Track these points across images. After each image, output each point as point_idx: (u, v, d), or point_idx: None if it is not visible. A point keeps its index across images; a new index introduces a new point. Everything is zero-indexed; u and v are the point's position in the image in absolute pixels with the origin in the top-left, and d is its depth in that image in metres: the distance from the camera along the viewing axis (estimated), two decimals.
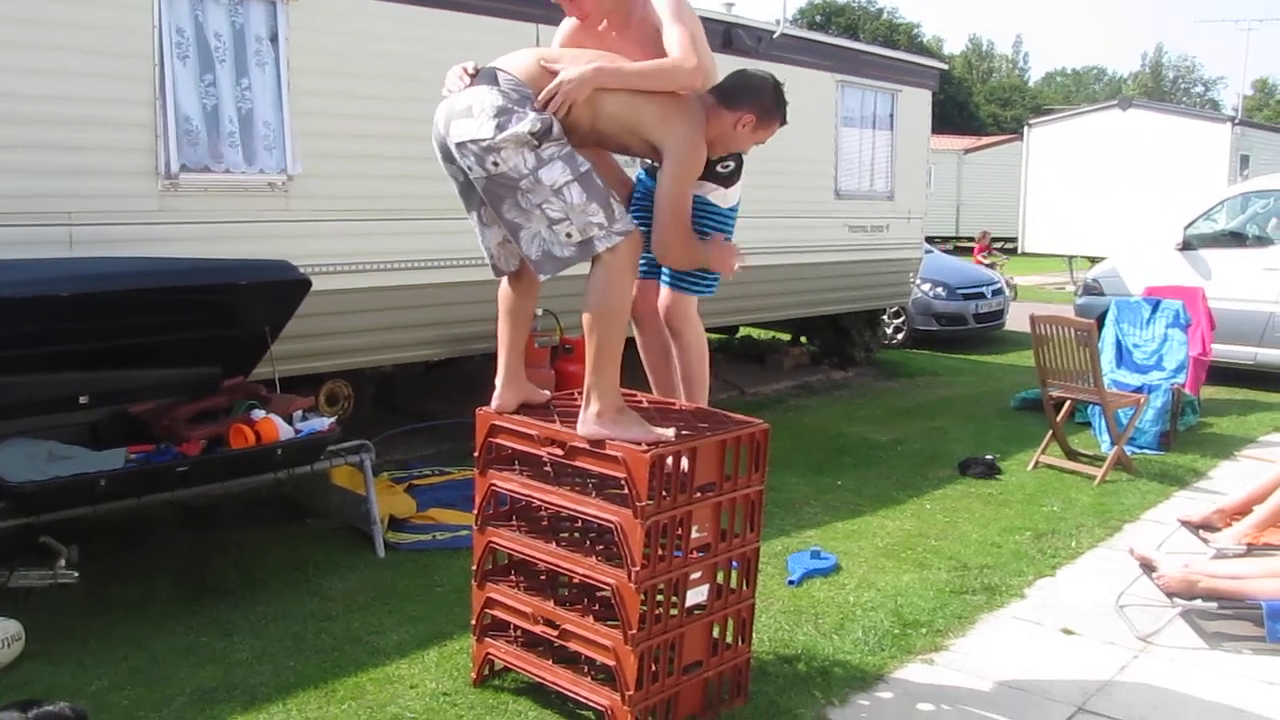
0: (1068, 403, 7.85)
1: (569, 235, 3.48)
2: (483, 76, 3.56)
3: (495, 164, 3.44)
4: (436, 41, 6.79)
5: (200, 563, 5.41)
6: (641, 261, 3.89)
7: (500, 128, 3.41)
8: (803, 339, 12.48)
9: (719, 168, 3.93)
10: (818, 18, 57.12)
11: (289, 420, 5.38)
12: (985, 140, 35.26)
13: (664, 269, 4.08)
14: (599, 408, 3.61)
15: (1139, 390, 8.14)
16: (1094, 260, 19.59)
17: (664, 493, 3.58)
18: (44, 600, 4.68)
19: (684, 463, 3.63)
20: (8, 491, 4.45)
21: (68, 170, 5.54)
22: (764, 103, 3.80)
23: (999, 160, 30.32)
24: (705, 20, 4.16)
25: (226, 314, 5.48)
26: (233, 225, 6.11)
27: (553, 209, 3.47)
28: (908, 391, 10.96)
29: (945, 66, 12.21)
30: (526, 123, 3.43)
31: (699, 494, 3.73)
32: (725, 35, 8.81)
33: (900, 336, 13.69)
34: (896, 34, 57.20)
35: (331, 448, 5.55)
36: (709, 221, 4.02)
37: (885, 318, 13.01)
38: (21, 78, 5.36)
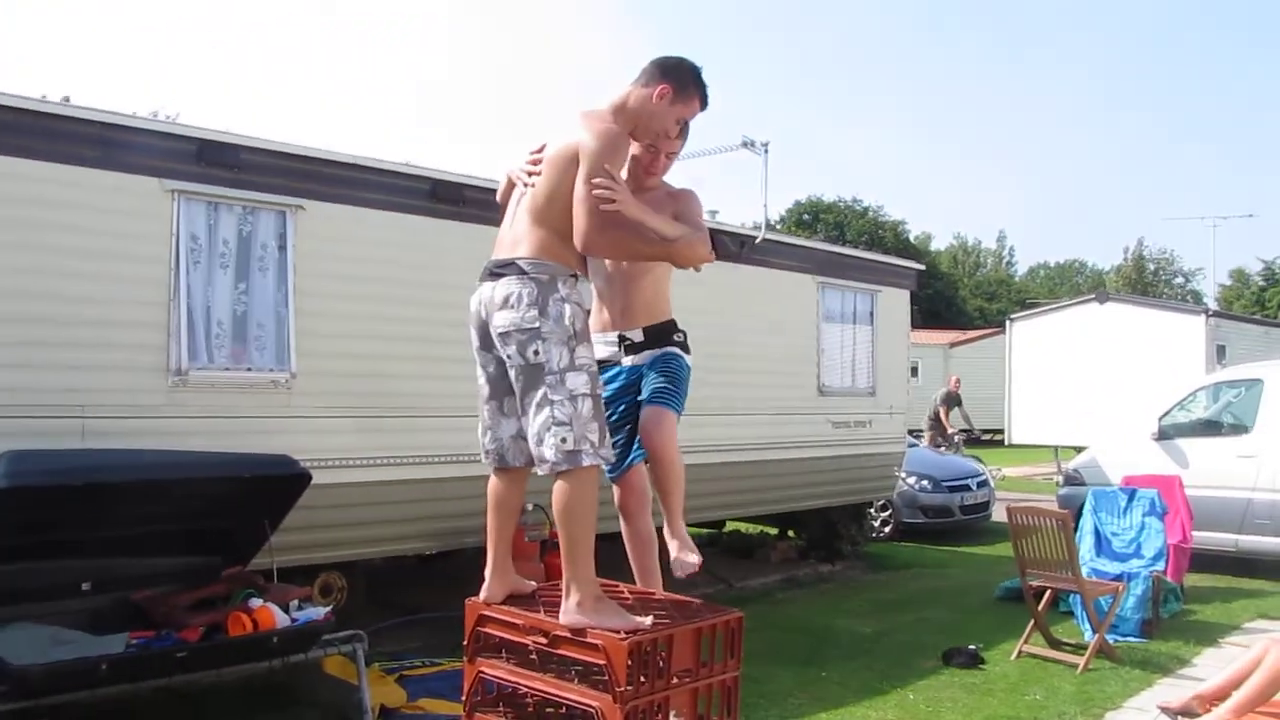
0: (1049, 592, 7.99)
1: (563, 440, 3.73)
2: (507, 269, 3.85)
3: (536, 353, 3.73)
4: (439, 248, 7.24)
5: None
6: (621, 449, 4.15)
7: (542, 313, 3.72)
8: (790, 533, 12.63)
9: (674, 336, 4.31)
10: (805, 216, 58.95)
11: (285, 609, 5.56)
12: (970, 334, 36.04)
13: (644, 400, 4.22)
14: (579, 598, 3.82)
15: (1118, 578, 8.31)
16: (1080, 450, 19.92)
17: (642, 678, 3.75)
18: None
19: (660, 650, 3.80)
20: (10, 675, 4.61)
21: (83, 366, 5.87)
22: (680, 76, 4.02)
23: (984, 353, 30.91)
24: None
25: (228, 505, 5.72)
26: (238, 420, 6.40)
27: (562, 411, 3.74)
28: (894, 584, 11.08)
29: (922, 267, 12.78)
30: (567, 314, 3.75)
31: (676, 679, 3.90)
32: (709, 241, 9.27)
33: (888, 529, 13.84)
34: (883, 230, 58.87)
35: (326, 636, 5.70)
36: (677, 360, 4.29)
37: (872, 511, 13.21)
38: (41, 278, 5.73)
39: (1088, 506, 9.42)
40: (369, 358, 7.04)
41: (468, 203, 7.53)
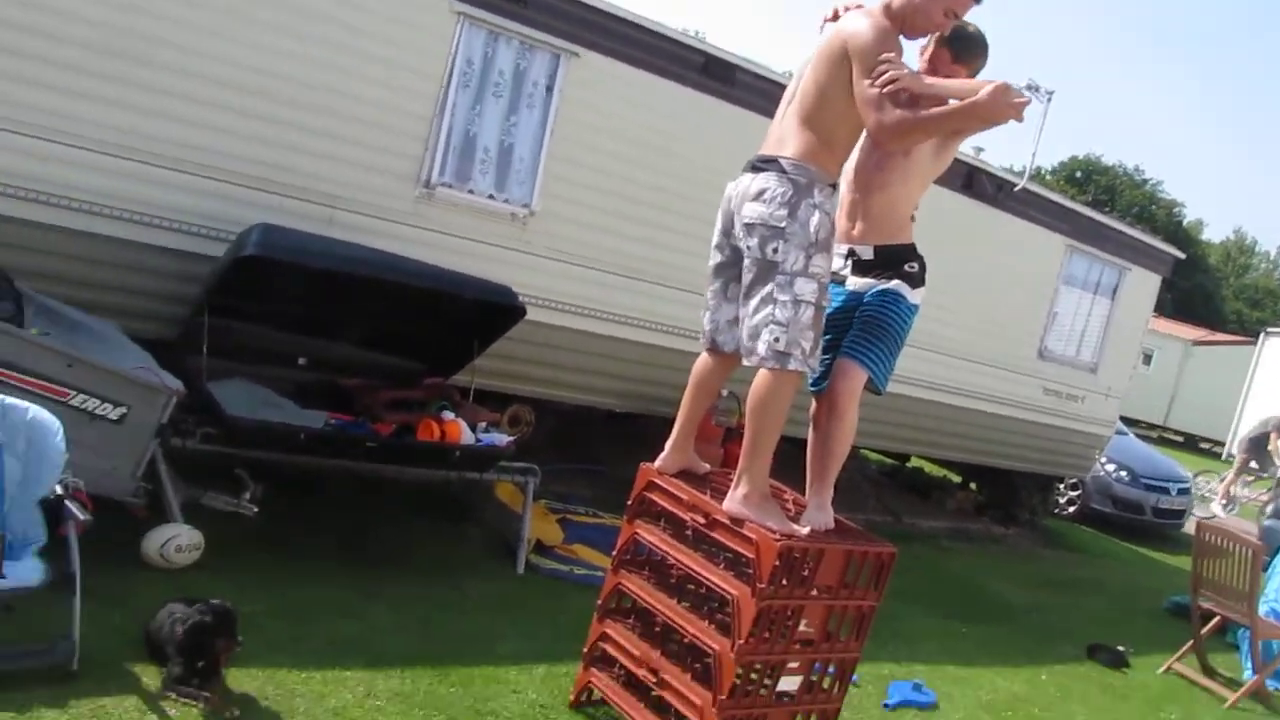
0: (1218, 618, 7.70)
1: (776, 340, 3.81)
2: (769, 165, 3.91)
3: (775, 250, 3.82)
4: (697, 124, 7.31)
5: (366, 533, 5.95)
6: (825, 367, 4.15)
7: (791, 215, 3.80)
8: (972, 485, 12.45)
9: (907, 266, 4.17)
10: (1078, 173, 56.27)
11: (473, 428, 5.88)
12: (1219, 336, 34.08)
13: (842, 348, 4.15)
14: (747, 490, 3.94)
15: None
16: None
17: (784, 581, 3.87)
18: (224, 521, 5.23)
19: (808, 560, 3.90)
20: (224, 421, 5.07)
21: (342, 159, 6.20)
22: None
23: (1229, 361, 29.15)
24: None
25: (445, 320, 6.05)
26: (470, 243, 6.67)
27: (784, 312, 3.82)
28: (1062, 564, 10.84)
29: (1182, 255, 12.07)
30: (815, 221, 3.80)
31: (816, 592, 4.01)
32: (967, 177, 9.06)
33: (1072, 509, 13.46)
34: (1156, 206, 55.80)
35: (503, 463, 6.02)
36: (898, 306, 4.14)
37: (1060, 486, 12.86)
38: (318, 69, 6.05)
39: None
40: (606, 212, 7.20)
41: (737, 85, 7.55)
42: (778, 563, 3.79)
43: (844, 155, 4.01)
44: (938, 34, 4.08)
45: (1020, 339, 10.23)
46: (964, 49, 4.13)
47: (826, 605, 4.06)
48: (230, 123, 5.82)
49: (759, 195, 3.87)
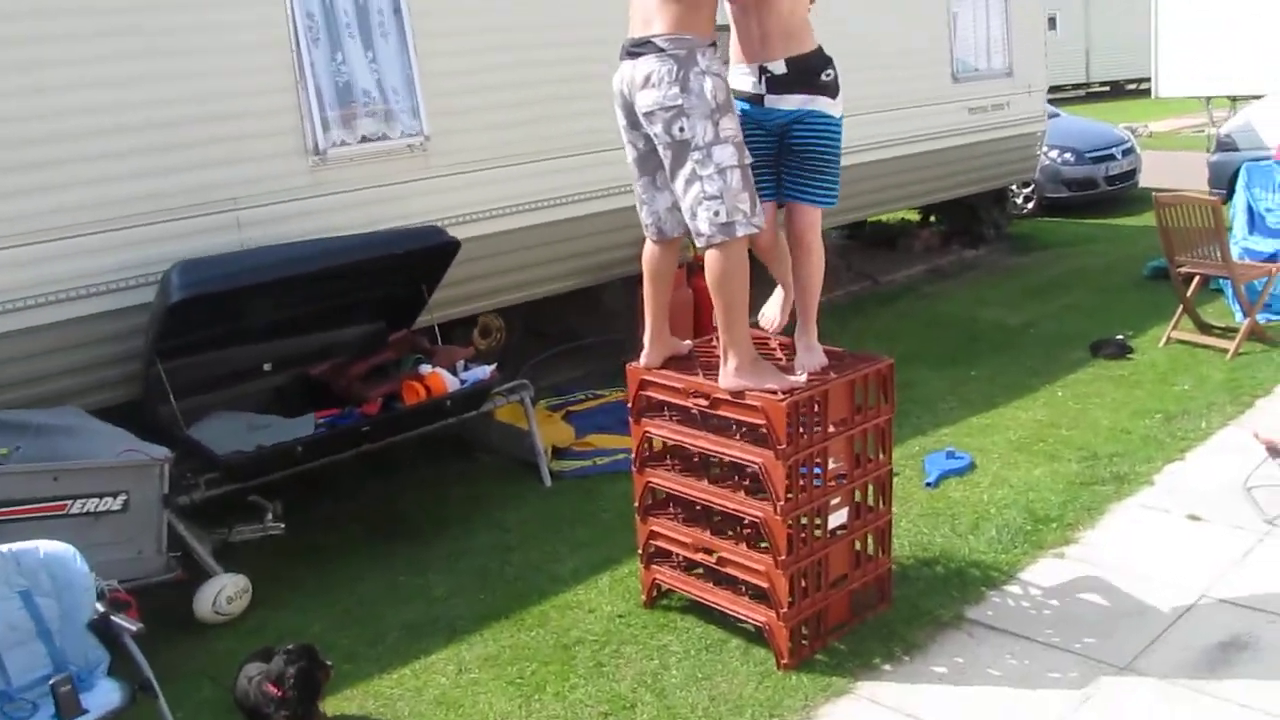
0: (1198, 276, 7.88)
1: (716, 214, 3.83)
2: (645, 48, 3.85)
3: (681, 129, 3.80)
4: None
5: (388, 507, 6.03)
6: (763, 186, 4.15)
7: (684, 89, 3.77)
8: (932, 219, 12.54)
9: (823, 76, 4.11)
10: None
11: (454, 371, 5.90)
12: None
13: (788, 189, 4.20)
14: (736, 362, 4.00)
15: (1272, 257, 8.13)
16: (1234, 100, 18.90)
17: (801, 432, 3.96)
18: (257, 551, 5.30)
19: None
20: (219, 463, 5.08)
21: (228, 160, 5.97)
22: None
23: None
24: None
25: (387, 277, 6.00)
26: (381, 189, 6.52)
27: (712, 185, 3.82)
28: (1039, 267, 11.01)
29: None
30: (709, 87, 3.78)
31: (833, 428, 4.10)
32: None
33: (1030, 206, 13.60)
34: None
35: (494, 391, 6.05)
36: (828, 131, 4.14)
37: (1015, 188, 12.95)
38: (175, 83, 5.77)
39: (1240, 182, 9.08)
40: (499, 106, 7.03)
41: None
42: (789, 420, 3.87)
43: (712, 8, 3.92)
44: None
45: (932, 70, 10.18)
46: None
47: (847, 438, 4.16)
48: (104, 170, 5.60)
49: (646, 81, 3.81)
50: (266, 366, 6.02)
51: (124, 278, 5.58)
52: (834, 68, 4.15)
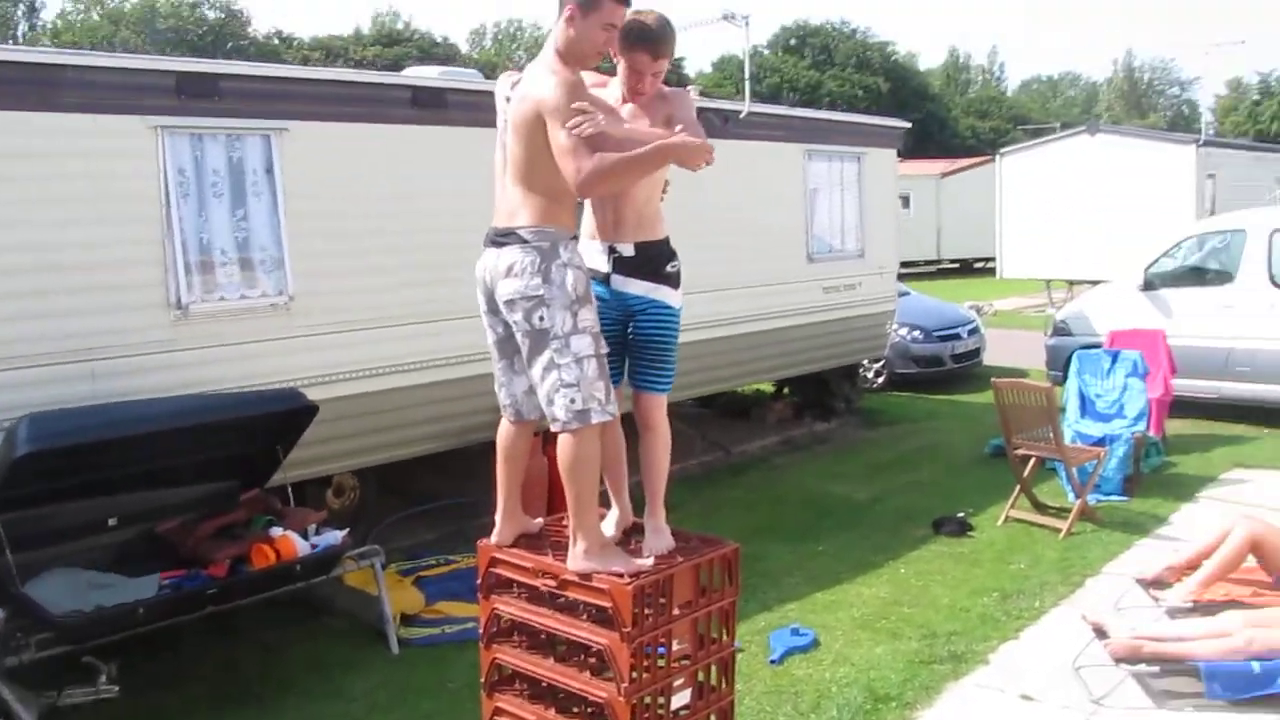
0: (1034, 458, 8.29)
1: (572, 401, 3.94)
2: (509, 239, 3.98)
3: (541, 318, 3.91)
4: (426, 156, 7.29)
5: (230, 668, 5.87)
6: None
7: (546, 280, 3.89)
8: (785, 391, 12.93)
9: (668, 267, 4.27)
10: (792, 41, 57.91)
11: (305, 535, 5.84)
12: (962, 162, 35.81)
13: (635, 378, 4.34)
14: (585, 545, 4.07)
15: (1101, 441, 8.63)
16: (1072, 284, 20.16)
17: (647, 614, 4.03)
18: (93, 714, 5.09)
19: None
20: (54, 624, 4.91)
21: (87, 310, 5.97)
22: None
23: (976, 182, 30.70)
24: None
25: (242, 437, 5.96)
26: (242, 346, 6.55)
27: (569, 374, 3.93)
28: (888, 442, 11.42)
29: (908, 125, 12.70)
30: (570, 280, 3.90)
31: (678, 611, 4.19)
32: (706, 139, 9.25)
33: (881, 380, 14.14)
34: (870, 51, 57.97)
35: (345, 556, 6.00)
36: (669, 322, 4.29)
37: (865, 363, 13.46)
38: (42, 231, 5.79)
39: (1073, 369, 9.68)
40: (364, 272, 7.15)
41: (451, 107, 7.55)
42: (634, 603, 3.94)
43: (573, 202, 4.10)
44: (623, 41, 4.13)
45: (788, 251, 10.64)
46: (656, 42, 4.17)
47: (692, 620, 4.24)
48: None
49: (509, 271, 3.95)
50: (112, 521, 5.87)
51: None
52: (678, 260, 4.33)
